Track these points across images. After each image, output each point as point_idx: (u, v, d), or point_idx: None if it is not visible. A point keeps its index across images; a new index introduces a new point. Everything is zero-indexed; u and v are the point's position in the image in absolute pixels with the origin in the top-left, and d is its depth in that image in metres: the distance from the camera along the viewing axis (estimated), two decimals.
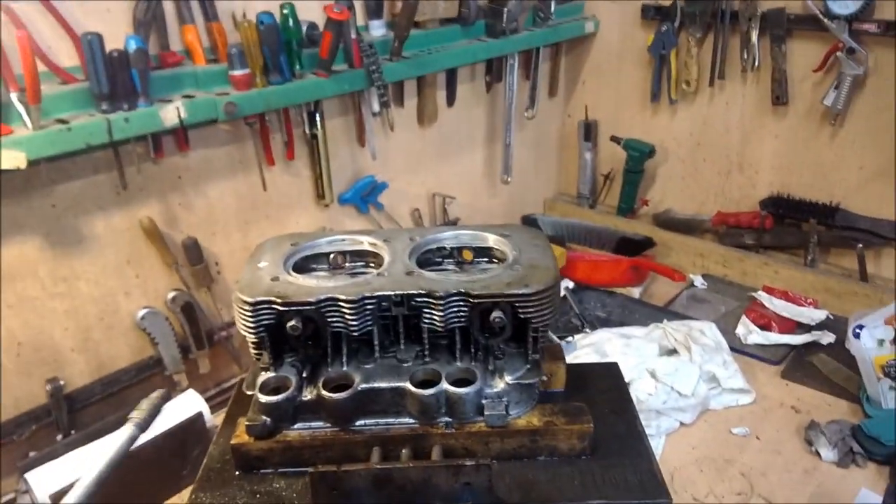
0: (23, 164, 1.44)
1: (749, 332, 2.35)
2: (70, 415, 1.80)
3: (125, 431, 1.12)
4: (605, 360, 2.07)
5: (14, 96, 1.48)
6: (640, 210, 3.05)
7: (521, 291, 1.14)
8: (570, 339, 2.27)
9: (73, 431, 1.79)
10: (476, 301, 1.14)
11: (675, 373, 2.03)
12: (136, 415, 1.15)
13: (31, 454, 1.69)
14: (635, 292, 2.69)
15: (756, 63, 2.54)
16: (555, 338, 2.30)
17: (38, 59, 1.55)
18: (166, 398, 1.15)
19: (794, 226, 2.66)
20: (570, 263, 2.74)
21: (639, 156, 2.92)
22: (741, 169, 2.77)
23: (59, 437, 1.77)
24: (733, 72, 2.64)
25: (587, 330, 2.38)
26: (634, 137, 2.94)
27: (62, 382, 1.78)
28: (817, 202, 2.56)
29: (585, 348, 2.17)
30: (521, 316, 1.15)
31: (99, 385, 1.87)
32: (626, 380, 1.99)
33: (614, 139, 2.97)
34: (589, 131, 3.10)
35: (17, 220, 1.65)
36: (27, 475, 1.59)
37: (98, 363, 1.88)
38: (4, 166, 1.42)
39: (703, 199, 2.92)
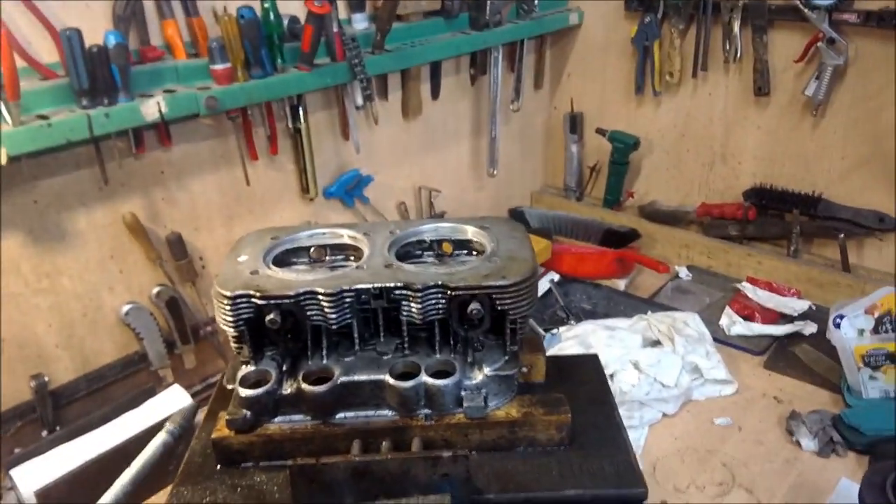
0: (3, 161, 1.44)
1: (733, 323, 2.37)
2: (55, 411, 1.80)
3: (158, 439, 1.13)
4: (589, 351, 2.09)
5: None
6: (626, 202, 3.06)
7: (498, 283, 1.14)
8: (555, 331, 2.28)
9: (58, 427, 1.79)
10: (454, 293, 1.15)
11: (659, 364, 2.05)
12: (170, 424, 1.16)
13: (16, 450, 1.69)
14: (621, 284, 2.71)
15: (738, 54, 2.55)
16: (540, 329, 2.32)
17: (18, 56, 1.55)
18: (196, 409, 1.16)
19: (777, 216, 2.68)
20: (556, 256, 2.75)
21: (624, 148, 2.93)
22: (724, 160, 2.78)
23: (45, 433, 1.77)
24: (716, 63, 2.65)
25: (572, 322, 2.39)
26: (619, 129, 2.95)
27: (47, 379, 1.78)
28: (800, 192, 2.58)
29: (570, 340, 2.19)
30: (499, 307, 1.16)
31: (84, 381, 1.87)
32: (610, 371, 2.02)
33: (599, 131, 2.98)
34: (574, 123, 3.10)
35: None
36: (12, 471, 1.60)
37: (82, 359, 1.88)
38: None
39: (687, 191, 2.94)
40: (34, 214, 1.70)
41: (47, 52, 1.64)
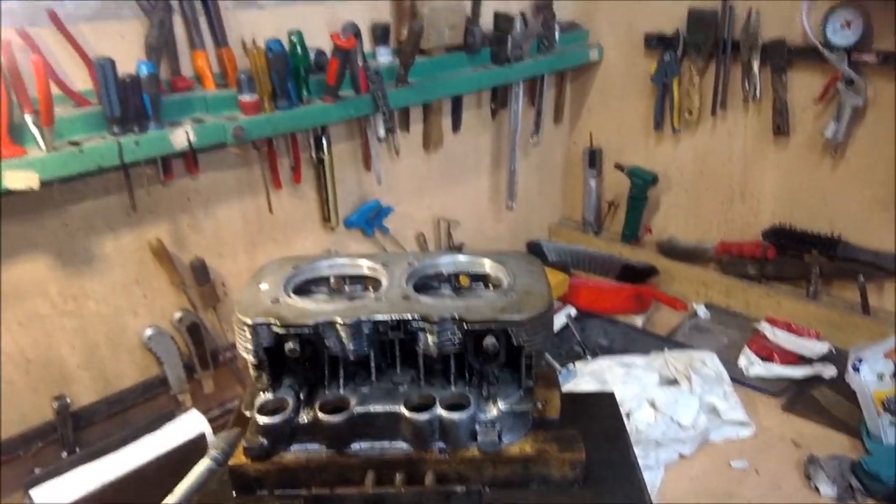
0: (36, 185, 1.48)
1: (751, 364, 2.35)
2: (75, 432, 1.82)
3: (202, 465, 1.15)
4: (605, 388, 2.08)
5: (28, 118, 1.52)
6: (644, 238, 3.07)
7: (513, 318, 1.16)
8: (571, 366, 2.28)
9: (77, 449, 1.80)
10: (470, 326, 1.16)
11: (675, 403, 2.03)
12: (214, 450, 1.17)
13: (36, 470, 1.71)
14: (638, 320, 2.70)
15: (757, 93, 2.57)
16: (556, 364, 2.31)
17: (53, 83, 1.60)
18: (240, 436, 1.18)
19: (796, 257, 2.67)
20: (573, 290, 2.75)
21: (642, 183, 2.94)
22: (743, 198, 2.78)
23: (64, 454, 1.79)
24: (735, 101, 2.67)
25: (589, 357, 2.39)
26: (638, 165, 2.96)
27: (68, 400, 1.80)
28: (819, 233, 2.58)
29: (586, 376, 2.18)
30: (515, 342, 1.17)
31: (104, 403, 1.89)
32: (626, 409, 2.01)
33: (618, 167, 3.00)
34: (593, 158, 3.13)
35: (30, 240, 1.69)
36: (31, 491, 1.62)
37: (104, 381, 1.90)
38: (18, 186, 1.46)
39: (706, 228, 2.93)
40: (64, 238, 1.74)
41: (81, 80, 1.70)
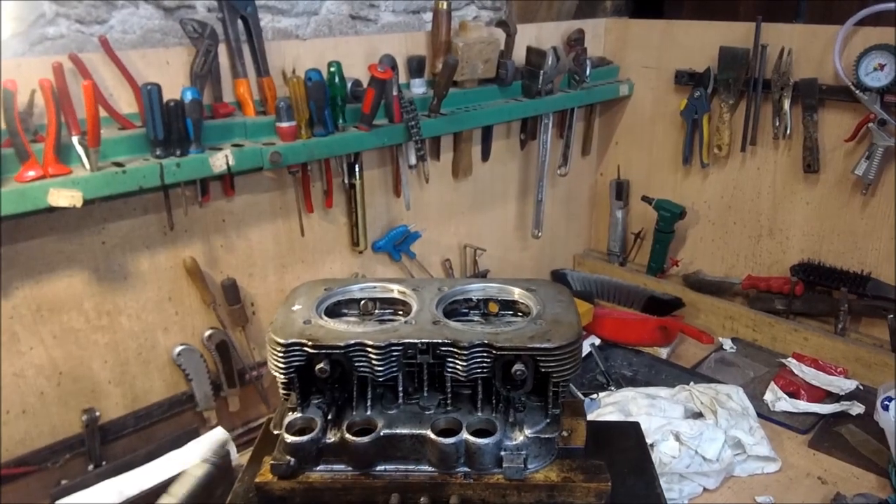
0: (79, 203, 1.53)
1: (777, 399, 2.32)
2: (102, 445, 1.85)
3: (200, 469, 1.16)
4: (629, 419, 2.07)
5: (75, 139, 1.58)
6: (670, 270, 3.06)
7: (543, 346, 1.17)
8: (594, 396, 2.27)
9: (103, 462, 1.83)
10: (499, 353, 1.18)
11: (700, 436, 2.01)
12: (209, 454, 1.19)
13: (63, 482, 1.74)
14: (663, 352, 2.68)
15: (788, 131, 2.57)
16: (579, 394, 2.31)
17: (101, 106, 1.66)
18: (227, 439, 1.20)
19: (824, 293, 2.65)
20: (598, 320, 2.75)
21: (669, 216, 2.94)
22: (772, 234, 2.78)
23: (91, 467, 1.82)
24: (765, 138, 2.67)
25: (612, 388, 2.38)
26: (666, 198, 2.97)
27: (97, 413, 1.84)
28: (848, 270, 2.56)
29: (609, 406, 2.17)
30: (543, 370, 1.19)
31: (132, 418, 1.92)
32: (650, 441, 1.99)
33: (645, 199, 3.01)
34: (620, 190, 3.14)
35: (68, 256, 1.74)
36: (57, 503, 1.64)
37: (133, 396, 1.94)
38: (62, 204, 1.51)
39: (733, 262, 2.92)
40: (101, 255, 1.79)
41: (127, 104, 1.76)
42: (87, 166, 1.59)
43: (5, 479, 1.71)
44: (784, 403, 2.30)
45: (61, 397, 1.81)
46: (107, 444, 1.88)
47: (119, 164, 1.65)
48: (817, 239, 2.65)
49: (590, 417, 2.12)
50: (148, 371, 1.95)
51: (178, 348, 1.97)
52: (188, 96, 1.70)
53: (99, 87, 1.69)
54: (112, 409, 1.90)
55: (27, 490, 1.76)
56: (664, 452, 1.97)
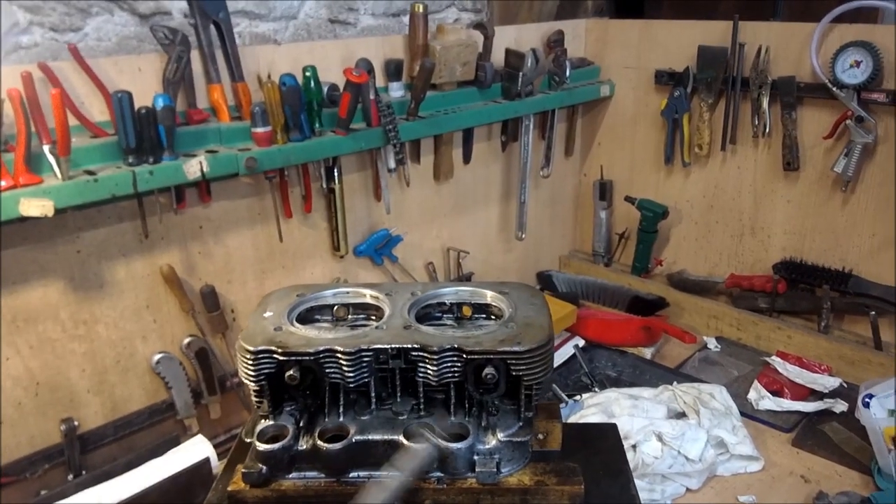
0: (50, 213, 1.52)
1: (761, 398, 2.33)
2: (82, 455, 1.83)
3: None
4: (612, 420, 2.07)
5: (46, 148, 1.57)
6: (655, 270, 3.07)
7: (513, 349, 1.17)
8: (577, 397, 2.27)
9: (83, 472, 1.82)
10: (469, 357, 1.17)
11: (683, 436, 2.01)
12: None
13: (43, 492, 1.73)
14: (647, 353, 2.69)
15: (767, 129, 2.58)
16: (563, 395, 2.31)
17: (71, 114, 1.65)
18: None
19: (807, 291, 2.65)
20: (581, 321, 2.75)
21: (653, 216, 2.95)
22: (754, 232, 2.78)
23: (70, 476, 1.81)
24: (745, 137, 2.68)
25: (596, 389, 2.38)
26: (648, 198, 2.98)
27: (76, 423, 1.82)
28: (830, 268, 2.56)
29: (592, 408, 2.17)
30: (514, 373, 1.18)
31: (112, 427, 1.91)
32: (633, 442, 2.00)
33: (629, 199, 3.01)
34: (604, 191, 3.14)
35: (43, 265, 1.73)
36: None
37: (112, 405, 1.92)
38: (33, 213, 1.50)
39: (716, 261, 2.93)
40: (76, 264, 1.78)
41: (99, 112, 1.75)
42: (59, 175, 1.58)
43: None
44: (768, 402, 2.31)
45: (39, 407, 1.79)
46: (86, 454, 1.87)
47: (91, 173, 1.63)
48: (799, 237, 2.66)
49: (573, 418, 2.14)
50: (127, 380, 1.94)
51: (157, 356, 1.96)
52: (160, 103, 1.70)
53: (70, 95, 1.68)
54: (91, 418, 1.89)
55: (6, 501, 1.75)
56: (646, 453, 1.97)
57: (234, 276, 2.10)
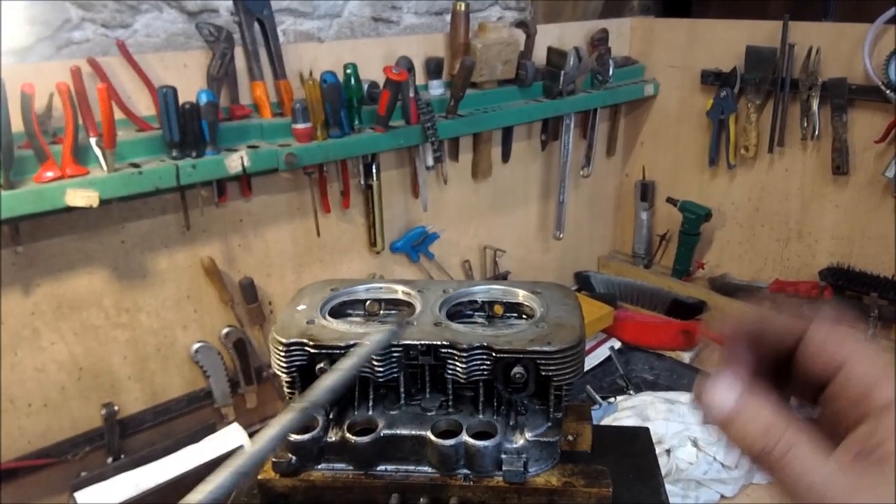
0: (95, 203, 1.56)
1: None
2: (121, 439, 1.89)
3: (381, 333, 1.06)
4: (646, 423, 2.04)
5: (93, 141, 1.62)
6: (696, 273, 3.01)
7: (542, 349, 1.16)
8: (612, 399, 2.25)
9: (122, 455, 1.87)
10: (498, 355, 1.17)
11: (719, 442, 1.98)
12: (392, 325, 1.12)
13: (82, 474, 1.78)
14: (685, 357, 2.64)
15: (816, 132, 2.51)
16: (597, 397, 2.29)
17: (118, 108, 1.70)
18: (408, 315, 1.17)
19: (854, 298, 2.57)
20: (619, 323, 2.72)
21: (695, 218, 2.90)
22: (800, 237, 2.71)
23: (109, 459, 1.86)
24: (793, 139, 2.61)
25: (631, 392, 2.35)
26: (691, 200, 2.93)
27: (116, 408, 1.88)
28: (879, 275, 2.49)
29: (626, 410, 2.14)
30: (543, 373, 1.18)
31: (151, 413, 1.96)
32: (667, 446, 1.97)
33: (671, 201, 2.97)
34: (646, 192, 3.10)
35: (88, 254, 1.78)
36: (76, 494, 1.68)
37: (152, 392, 1.98)
38: (79, 204, 1.55)
39: (760, 266, 2.87)
40: (120, 254, 1.83)
41: (144, 106, 1.79)
42: (104, 167, 1.63)
43: (27, 470, 1.76)
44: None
45: (81, 392, 1.85)
46: (126, 438, 1.92)
47: (135, 166, 1.68)
48: (847, 242, 2.59)
49: (606, 420, 2.12)
50: (167, 367, 1.99)
51: (197, 346, 2.00)
52: (203, 98, 1.73)
53: (117, 90, 1.72)
54: (131, 403, 1.94)
55: (48, 481, 1.81)
56: (681, 458, 1.94)
57: (272, 269, 2.14)
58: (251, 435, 1.94)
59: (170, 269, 1.93)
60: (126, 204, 1.78)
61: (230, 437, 1.90)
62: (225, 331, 2.05)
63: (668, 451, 1.97)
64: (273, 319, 2.17)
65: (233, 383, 2.08)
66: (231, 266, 2.05)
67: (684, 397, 2.23)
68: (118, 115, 1.68)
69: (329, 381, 0.89)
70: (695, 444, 1.99)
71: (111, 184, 1.62)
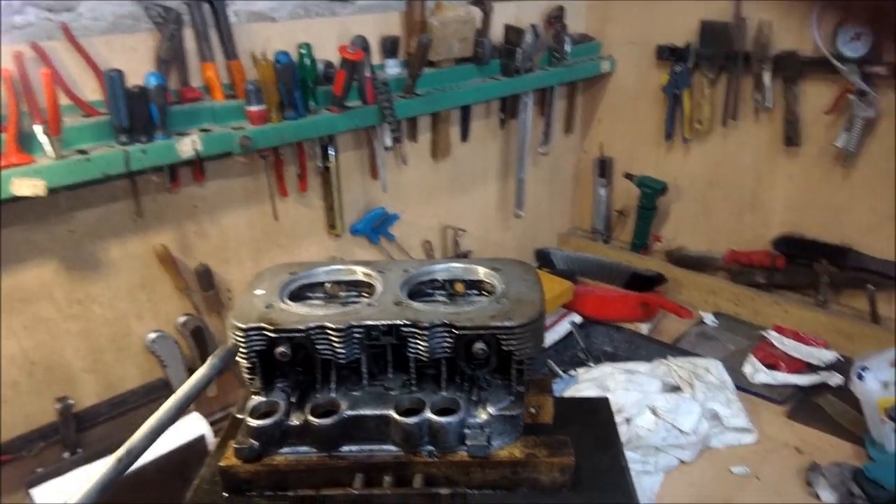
0: (42, 192, 1.51)
1: (756, 371, 2.34)
2: (77, 433, 1.85)
3: (207, 366, 1.13)
4: (606, 394, 2.07)
5: (38, 128, 1.56)
6: (654, 246, 3.06)
7: (503, 324, 1.17)
8: (573, 372, 2.28)
9: (79, 450, 1.84)
10: (460, 332, 1.17)
11: (677, 409, 2.03)
12: (215, 356, 1.17)
13: (38, 470, 1.74)
14: (644, 328, 2.69)
15: (768, 104, 2.56)
16: (559, 370, 2.32)
17: (64, 94, 1.64)
18: (236, 350, 1.19)
19: (805, 266, 2.65)
20: (579, 298, 2.75)
21: (652, 193, 2.94)
22: (754, 208, 2.77)
23: (66, 454, 1.82)
24: (746, 112, 2.66)
25: (591, 364, 2.39)
26: (648, 175, 2.96)
27: (72, 401, 1.83)
28: (829, 243, 2.56)
29: (587, 382, 2.18)
30: (504, 348, 1.18)
31: (107, 405, 1.92)
32: (627, 415, 2.01)
33: (628, 176, 3.00)
34: (603, 168, 3.13)
35: (37, 245, 1.73)
36: (32, 490, 1.65)
37: (107, 384, 1.94)
38: (25, 193, 1.50)
39: (715, 238, 2.92)
40: (69, 244, 1.78)
41: (91, 91, 1.74)
42: (51, 155, 1.58)
43: None
44: (763, 375, 2.32)
45: (34, 386, 1.80)
46: (82, 432, 1.88)
47: (83, 152, 1.63)
48: (798, 212, 2.65)
49: (568, 393, 2.15)
50: (122, 358, 1.95)
51: (152, 335, 1.96)
52: (152, 82, 1.69)
53: (62, 75, 1.67)
54: (86, 396, 1.90)
55: (3, 478, 1.77)
56: (640, 426, 1.99)
57: (229, 255, 2.10)
58: (212, 424, 1.92)
59: (122, 258, 1.89)
60: (74, 192, 1.73)
61: (190, 426, 1.88)
62: (182, 319, 2.02)
63: (627, 420, 2.01)
64: (231, 306, 2.14)
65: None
66: (186, 253, 2.01)
67: (643, 367, 2.27)
68: (64, 100, 1.62)
69: (149, 425, 0.92)
70: (653, 412, 2.03)
71: (58, 171, 1.57)
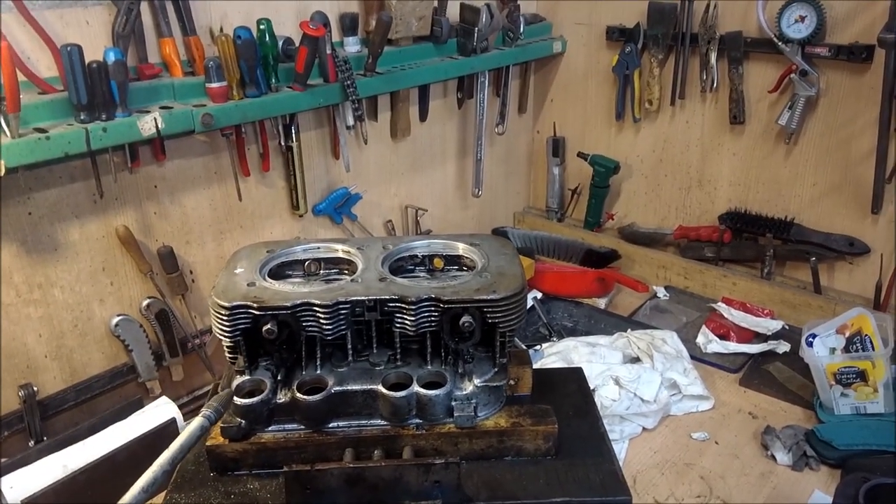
0: (0, 172, 1.46)
1: (708, 342, 2.43)
2: (43, 421, 1.80)
3: (196, 423, 1.14)
4: (571, 366, 2.13)
5: None
6: (606, 224, 3.14)
7: (489, 297, 1.19)
8: (537, 347, 2.33)
9: (45, 438, 1.79)
10: (446, 306, 1.19)
11: (638, 380, 2.10)
12: (207, 409, 1.17)
13: (3, 460, 1.69)
14: (601, 303, 2.77)
15: (714, 84, 2.65)
16: (522, 346, 2.36)
17: (18, 70, 1.58)
18: (232, 395, 1.18)
19: (751, 240, 2.76)
20: (539, 275, 2.81)
21: (604, 171, 3.01)
22: (701, 185, 2.87)
23: (32, 443, 1.77)
24: (693, 92, 2.75)
25: (554, 339, 2.44)
26: (600, 154, 3.03)
27: (35, 388, 1.78)
28: (773, 217, 2.67)
29: (553, 356, 2.23)
30: (490, 321, 1.21)
31: (72, 392, 1.88)
32: (591, 386, 2.06)
33: (581, 155, 3.06)
34: (557, 147, 3.18)
35: None
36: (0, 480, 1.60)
37: (71, 370, 1.89)
38: None
39: (665, 214, 3.02)
40: (28, 226, 1.72)
41: (46, 67, 1.67)
42: (8, 133, 1.52)
43: None
44: (715, 345, 2.42)
45: None
46: (47, 420, 1.83)
47: (42, 130, 1.57)
48: (744, 188, 2.76)
49: (535, 367, 2.20)
50: (85, 343, 1.90)
51: (116, 319, 1.92)
52: (111, 57, 1.63)
53: (15, 49, 1.60)
54: (50, 383, 1.85)
55: None
56: (605, 396, 2.05)
57: (191, 236, 2.07)
58: (180, 408, 1.90)
59: (82, 241, 1.83)
60: (32, 172, 1.67)
61: (160, 410, 1.85)
62: (145, 302, 1.98)
63: (592, 391, 2.07)
64: (195, 288, 2.11)
65: (157, 356, 2.01)
66: (148, 235, 1.97)
67: (604, 340, 2.34)
68: (19, 76, 1.55)
69: (142, 482, 0.93)
70: (617, 382, 2.10)
71: (16, 150, 1.51)
